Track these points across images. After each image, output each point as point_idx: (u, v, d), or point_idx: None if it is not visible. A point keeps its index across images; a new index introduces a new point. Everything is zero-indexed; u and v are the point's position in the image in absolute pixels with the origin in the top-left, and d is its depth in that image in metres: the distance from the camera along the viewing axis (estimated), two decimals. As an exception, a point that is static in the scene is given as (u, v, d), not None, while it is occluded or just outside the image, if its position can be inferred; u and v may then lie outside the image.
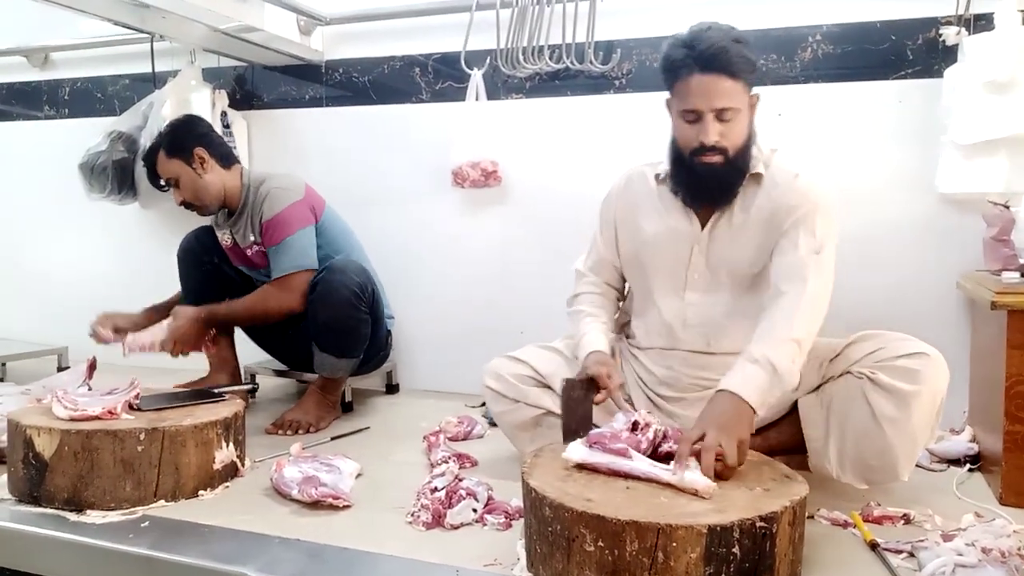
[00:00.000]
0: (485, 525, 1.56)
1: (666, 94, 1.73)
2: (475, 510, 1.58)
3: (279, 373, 2.73)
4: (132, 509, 1.63)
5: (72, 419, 1.68)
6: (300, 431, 2.25)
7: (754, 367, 1.51)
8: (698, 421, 1.47)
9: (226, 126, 2.86)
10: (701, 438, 1.38)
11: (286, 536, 1.50)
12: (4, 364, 3.05)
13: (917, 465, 1.92)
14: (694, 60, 1.61)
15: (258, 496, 1.74)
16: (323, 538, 1.49)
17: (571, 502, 1.23)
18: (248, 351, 2.70)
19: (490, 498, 1.63)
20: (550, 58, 2.54)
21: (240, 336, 2.66)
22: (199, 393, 2.03)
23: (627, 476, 1.36)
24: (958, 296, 2.21)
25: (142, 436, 1.65)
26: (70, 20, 2.83)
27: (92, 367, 2.10)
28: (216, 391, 2.04)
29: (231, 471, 1.82)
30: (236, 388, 2.25)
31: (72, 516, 1.61)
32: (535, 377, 1.87)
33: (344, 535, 1.51)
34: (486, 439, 2.21)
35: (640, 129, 2.27)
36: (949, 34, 2.16)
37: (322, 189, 2.52)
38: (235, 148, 2.83)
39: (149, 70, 3.00)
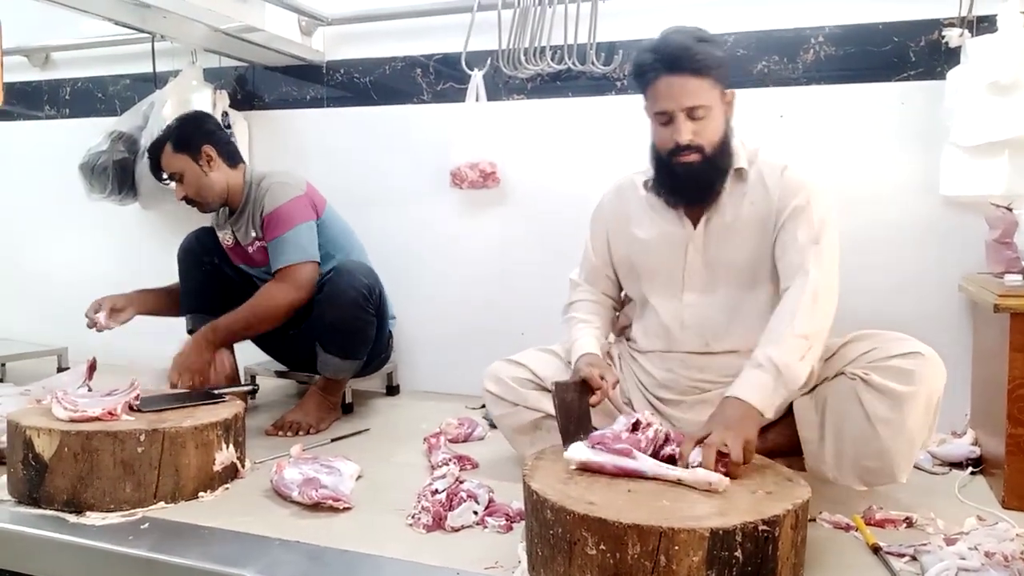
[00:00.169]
0: (486, 527, 1.55)
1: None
2: (476, 512, 1.58)
3: (279, 374, 2.72)
4: (132, 511, 1.63)
5: (72, 420, 1.68)
6: (300, 432, 2.24)
7: (757, 371, 1.52)
8: (704, 425, 1.48)
9: (227, 126, 2.85)
10: (706, 437, 1.40)
11: (286, 538, 1.50)
12: (4, 364, 3.04)
13: (918, 468, 1.94)
14: (660, 62, 1.64)
15: (258, 498, 1.73)
16: (323, 540, 1.49)
17: (573, 505, 1.22)
18: (248, 352, 2.70)
19: (491, 500, 1.62)
20: (552, 59, 2.54)
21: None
22: (199, 394, 2.03)
23: (631, 475, 1.35)
24: (960, 298, 2.21)
25: (142, 437, 1.65)
26: (71, 20, 2.82)
27: (92, 368, 2.10)
28: (216, 392, 2.03)
29: (231, 473, 1.82)
30: (236, 389, 2.24)
31: (72, 518, 1.60)
32: (534, 380, 1.86)
33: (344, 537, 1.50)
34: (487, 441, 2.21)
35: (642, 131, 2.25)
36: (952, 36, 2.15)
37: (323, 189, 2.51)
38: (240, 147, 2.82)
39: (150, 70, 2.99)
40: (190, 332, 2.64)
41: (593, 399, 1.67)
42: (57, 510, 1.63)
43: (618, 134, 2.49)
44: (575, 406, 1.66)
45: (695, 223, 1.76)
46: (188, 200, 2.41)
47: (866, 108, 2.29)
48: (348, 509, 1.64)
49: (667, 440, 1.46)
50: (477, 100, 2.63)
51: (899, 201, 2.28)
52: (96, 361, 2.13)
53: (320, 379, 2.37)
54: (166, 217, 3.08)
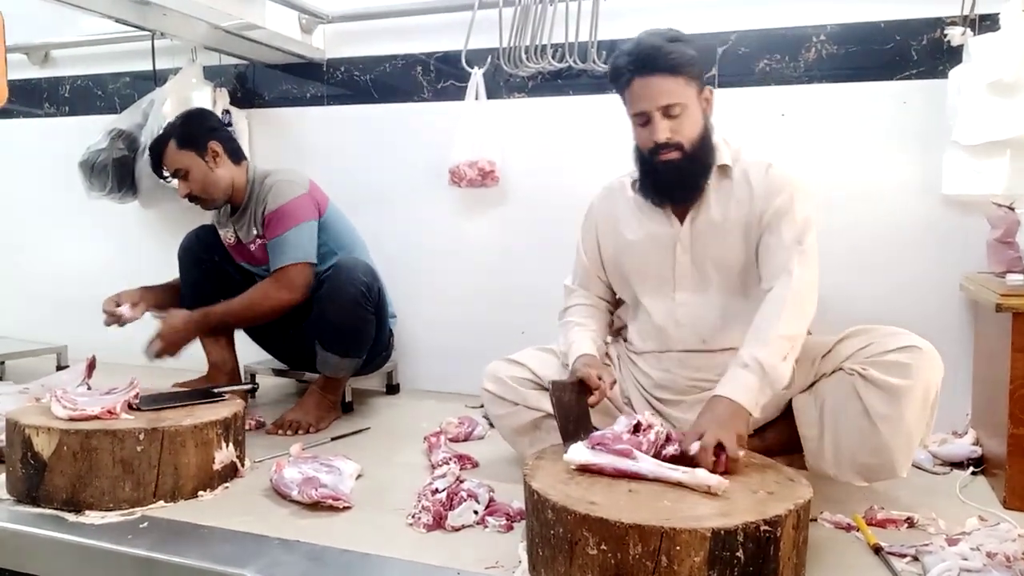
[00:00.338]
0: (486, 527, 1.55)
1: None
2: (476, 512, 1.57)
3: (279, 373, 2.72)
4: (131, 510, 1.63)
5: (71, 419, 1.67)
6: (300, 431, 2.24)
7: (744, 371, 1.53)
8: (694, 425, 1.50)
9: (228, 124, 2.85)
10: (700, 437, 1.42)
11: (286, 538, 1.50)
12: (3, 363, 3.04)
13: (920, 468, 1.94)
14: (633, 64, 1.68)
15: (258, 497, 1.73)
16: (323, 540, 1.49)
17: (574, 505, 1.22)
18: (248, 351, 2.70)
19: (491, 500, 1.62)
20: (553, 57, 2.53)
21: (240, 335, 2.65)
22: (199, 393, 2.02)
23: (632, 477, 1.35)
24: (961, 298, 2.21)
25: (141, 436, 1.64)
26: (71, 17, 2.83)
27: (91, 366, 2.09)
28: (215, 391, 2.03)
29: (231, 472, 1.81)
30: (236, 388, 2.24)
31: (71, 517, 1.60)
32: (534, 380, 1.86)
33: (344, 537, 1.50)
34: (487, 440, 2.20)
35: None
36: (954, 34, 2.15)
37: (323, 187, 2.51)
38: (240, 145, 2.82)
39: (150, 68, 2.99)
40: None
41: (592, 399, 1.67)
42: (56, 509, 1.62)
43: (619, 133, 2.45)
44: (573, 406, 1.65)
45: (682, 221, 1.78)
46: (191, 197, 2.40)
47: (868, 107, 2.29)
48: (348, 508, 1.64)
49: (668, 441, 1.46)
50: (477, 98, 2.62)
51: (900, 200, 2.27)
52: (95, 359, 2.13)
53: (320, 378, 2.37)
54: (166, 215, 3.07)
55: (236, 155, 2.43)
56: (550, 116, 2.61)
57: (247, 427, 2.19)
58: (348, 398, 2.51)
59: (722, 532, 1.15)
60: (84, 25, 3.08)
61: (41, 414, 1.72)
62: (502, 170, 2.62)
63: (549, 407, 1.78)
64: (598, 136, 2.54)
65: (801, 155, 2.32)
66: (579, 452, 1.41)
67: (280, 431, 2.24)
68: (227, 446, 1.79)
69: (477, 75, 2.61)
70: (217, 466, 1.76)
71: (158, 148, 2.39)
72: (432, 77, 2.76)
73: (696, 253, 1.77)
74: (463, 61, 2.62)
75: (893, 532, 1.54)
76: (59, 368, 2.95)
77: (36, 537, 1.55)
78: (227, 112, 2.90)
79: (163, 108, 2.79)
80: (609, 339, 1.97)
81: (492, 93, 2.64)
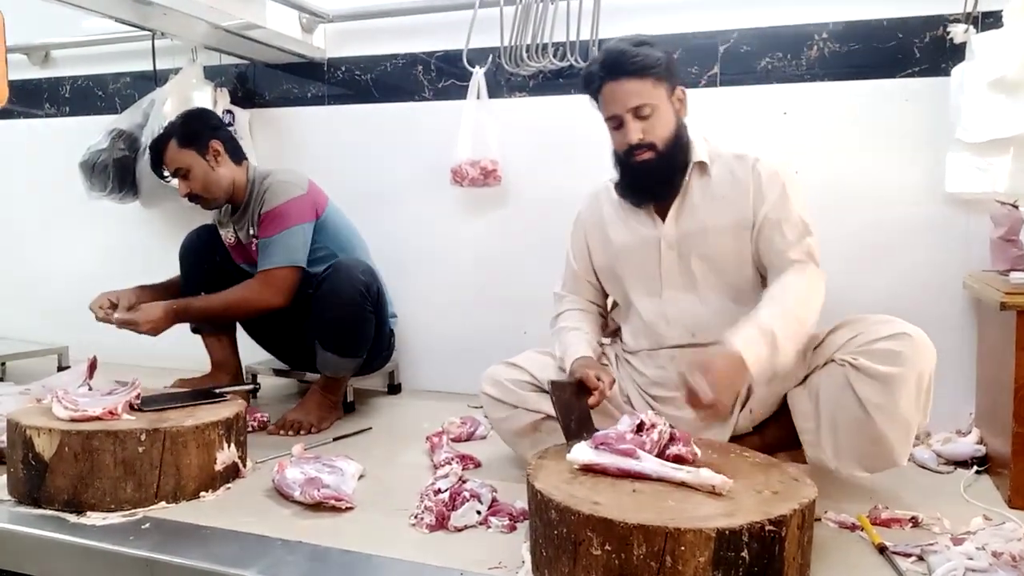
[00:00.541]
0: (489, 527, 1.54)
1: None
2: (479, 512, 1.57)
3: (280, 373, 2.71)
4: (133, 511, 1.62)
5: (72, 419, 1.67)
6: (302, 432, 2.23)
7: (759, 336, 1.52)
8: (698, 358, 1.51)
9: (229, 124, 2.84)
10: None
11: (288, 538, 1.49)
12: (4, 364, 3.03)
13: (924, 467, 1.94)
14: (601, 71, 1.73)
15: (260, 497, 1.72)
16: (326, 540, 1.48)
17: (578, 505, 1.22)
18: (250, 351, 2.69)
19: (494, 500, 1.62)
20: (554, 56, 2.52)
21: (242, 335, 2.65)
22: (200, 393, 2.02)
23: (636, 477, 1.34)
24: (964, 296, 2.20)
25: (143, 437, 1.64)
26: (71, 17, 2.82)
27: (92, 367, 2.09)
28: (217, 391, 2.02)
29: (232, 472, 1.81)
30: (237, 388, 2.23)
31: (72, 518, 1.60)
32: (533, 382, 1.86)
33: (347, 537, 1.50)
34: (489, 440, 2.19)
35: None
36: (957, 32, 2.14)
37: (324, 187, 2.50)
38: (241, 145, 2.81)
39: (150, 68, 2.98)
40: (194, 331, 2.64)
41: (591, 400, 1.67)
42: (58, 510, 1.62)
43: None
44: (574, 405, 1.65)
45: (664, 220, 1.80)
46: (192, 197, 2.39)
47: (870, 105, 2.28)
48: (350, 509, 1.63)
49: (672, 440, 1.45)
50: (479, 98, 2.62)
51: (903, 198, 2.26)
52: (96, 360, 2.12)
53: (321, 378, 2.36)
54: (167, 215, 3.07)
55: (237, 155, 2.42)
56: (551, 115, 2.60)
57: (251, 426, 2.19)
58: (350, 398, 2.51)
59: (727, 532, 1.15)
60: (85, 25, 3.07)
61: (42, 415, 1.71)
62: (503, 170, 2.62)
63: (549, 409, 1.78)
64: (600, 135, 2.51)
65: (803, 153, 2.32)
66: (582, 452, 1.40)
67: (282, 431, 2.24)
68: (229, 447, 1.79)
69: (479, 74, 2.61)
70: (219, 467, 1.76)
71: (159, 147, 2.38)
72: (433, 76, 2.75)
73: (682, 250, 1.79)
74: (464, 60, 2.61)
75: (897, 531, 1.54)
76: (60, 369, 2.94)
77: (38, 538, 1.54)
78: (229, 112, 2.89)
79: (164, 108, 2.78)
80: (606, 341, 1.98)
81: (493, 92, 2.63)
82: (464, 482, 1.66)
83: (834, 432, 1.64)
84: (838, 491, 1.71)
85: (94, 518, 1.59)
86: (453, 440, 2.14)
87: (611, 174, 1.92)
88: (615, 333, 1.99)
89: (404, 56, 2.78)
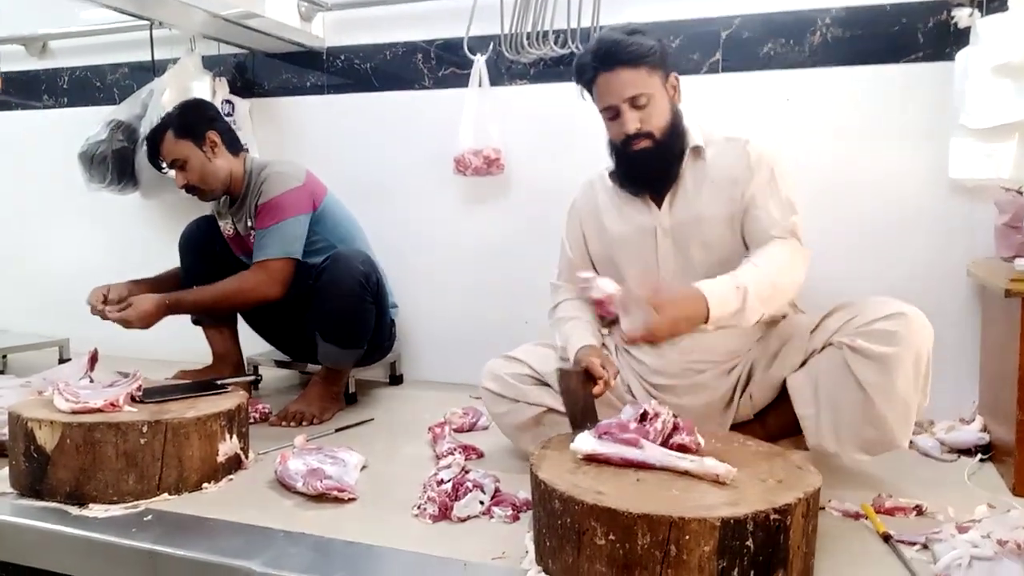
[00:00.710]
0: (492, 518, 1.54)
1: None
2: (482, 502, 1.56)
3: (282, 364, 2.71)
4: (135, 503, 1.62)
5: (74, 412, 1.66)
6: (304, 423, 2.23)
7: (731, 289, 1.54)
8: (658, 289, 1.53)
9: (227, 114, 2.82)
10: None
11: (291, 530, 1.49)
12: (5, 356, 3.03)
13: (927, 455, 1.93)
14: (595, 62, 1.73)
15: (262, 489, 1.72)
16: (329, 532, 1.48)
17: (582, 495, 1.21)
18: (251, 342, 2.69)
19: (497, 490, 1.61)
20: (555, 43, 2.51)
21: (243, 327, 2.64)
22: (202, 385, 2.01)
23: (639, 466, 1.34)
24: (968, 283, 2.19)
25: (145, 428, 1.64)
26: (69, 8, 2.80)
27: (93, 359, 2.09)
28: (219, 383, 2.02)
29: (235, 464, 1.80)
30: (239, 379, 2.23)
31: (74, 510, 1.59)
32: (533, 376, 1.85)
33: (350, 528, 1.49)
34: (491, 430, 2.18)
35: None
36: (961, 16, 2.11)
37: (324, 177, 2.49)
38: (240, 136, 2.79)
39: (148, 58, 2.96)
40: (195, 323, 2.64)
41: (596, 389, 1.66)
42: (60, 502, 1.62)
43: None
44: (580, 394, 1.65)
45: (660, 208, 1.80)
46: (189, 188, 2.38)
47: (873, 91, 2.26)
48: (353, 500, 1.63)
49: (676, 429, 1.44)
50: (480, 86, 2.60)
51: (906, 185, 2.25)
52: (97, 352, 2.12)
53: (322, 369, 2.36)
54: (167, 206, 3.06)
55: (234, 146, 2.41)
56: (553, 103, 2.58)
57: (253, 418, 2.19)
58: (352, 389, 2.51)
59: (732, 521, 1.14)
60: (82, 16, 3.05)
61: (44, 407, 1.71)
62: (505, 158, 2.60)
63: (550, 402, 1.79)
64: (602, 123, 2.51)
65: (806, 140, 2.31)
66: (585, 441, 1.40)
67: (284, 423, 2.23)
68: (231, 438, 1.78)
69: (480, 62, 2.59)
70: (221, 458, 1.75)
71: (155, 139, 2.37)
72: (433, 65, 2.74)
73: (677, 237, 1.79)
74: (465, 48, 2.59)
75: (902, 520, 1.53)
76: (61, 361, 2.95)
77: (40, 531, 1.54)
78: (229, 102, 2.88)
79: (162, 98, 2.76)
80: (605, 331, 1.97)
81: (493, 80, 2.61)
82: (467, 472, 1.66)
83: (834, 416, 1.64)
84: (841, 480, 1.70)
85: (96, 510, 1.59)
86: (455, 431, 2.13)
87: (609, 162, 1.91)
88: (613, 323, 1.98)
89: (403, 44, 2.76)
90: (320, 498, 1.63)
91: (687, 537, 1.14)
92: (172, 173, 2.40)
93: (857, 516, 1.54)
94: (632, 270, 1.84)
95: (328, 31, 2.86)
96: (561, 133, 2.57)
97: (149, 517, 1.57)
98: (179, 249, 2.57)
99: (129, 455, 1.62)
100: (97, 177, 2.87)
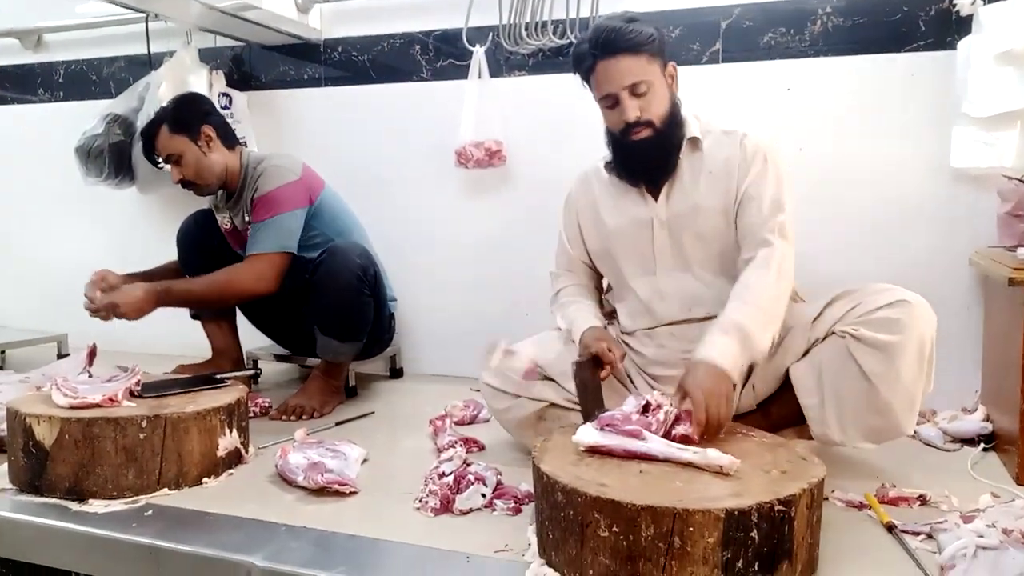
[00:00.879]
0: (494, 511, 1.53)
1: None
2: (484, 495, 1.56)
3: (281, 358, 2.70)
4: (135, 498, 1.61)
5: (72, 407, 1.65)
6: (304, 416, 2.22)
7: (724, 337, 1.53)
8: (679, 386, 1.49)
9: (224, 107, 2.81)
10: (684, 396, 1.44)
11: (292, 524, 1.48)
12: (3, 352, 3.02)
13: (930, 445, 1.93)
14: (594, 49, 1.69)
15: (263, 483, 1.71)
16: (330, 525, 1.47)
17: (584, 487, 1.20)
18: (250, 336, 2.68)
19: (499, 483, 1.61)
20: (553, 33, 2.49)
21: (241, 321, 2.63)
22: (201, 379, 2.00)
23: (642, 458, 1.33)
24: (971, 273, 2.18)
25: (144, 423, 1.63)
26: (64, 1, 2.78)
27: (92, 354, 2.07)
28: (218, 377, 2.01)
29: (235, 458, 1.80)
30: (238, 374, 2.22)
31: (74, 505, 1.59)
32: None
33: (351, 522, 1.49)
34: (492, 423, 2.17)
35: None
36: (963, 4, 2.10)
37: (322, 170, 2.48)
38: (238, 128, 2.78)
39: (145, 51, 2.94)
40: (194, 317, 2.63)
41: (602, 373, 1.67)
42: (59, 498, 1.61)
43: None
44: (589, 383, 1.65)
45: (656, 199, 1.79)
46: (185, 183, 2.37)
47: (875, 80, 2.25)
48: (354, 493, 1.62)
49: (678, 420, 1.44)
50: (480, 77, 2.58)
51: (908, 174, 2.24)
52: (96, 347, 2.10)
53: (322, 363, 2.35)
54: (164, 201, 3.04)
55: (230, 140, 2.40)
56: (552, 94, 2.56)
57: (253, 412, 2.18)
58: (352, 383, 2.50)
59: (736, 512, 1.13)
60: (77, 8, 3.03)
61: (42, 403, 1.70)
62: (506, 150, 2.59)
63: (552, 397, 1.79)
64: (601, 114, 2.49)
65: (807, 130, 2.30)
66: (588, 433, 1.39)
67: (284, 417, 2.22)
68: (231, 432, 1.77)
69: (479, 53, 2.57)
70: (221, 452, 1.75)
71: (150, 133, 2.36)
72: (431, 56, 2.72)
73: (673, 229, 1.77)
74: (464, 39, 2.58)
75: (906, 510, 1.53)
76: (59, 357, 2.93)
77: (40, 527, 1.53)
78: (226, 95, 2.86)
79: (159, 92, 2.75)
80: (604, 323, 1.96)
81: (492, 72, 2.60)
82: (468, 465, 1.65)
83: (838, 405, 1.63)
84: (844, 470, 1.70)
85: (96, 506, 1.58)
86: (456, 423, 2.13)
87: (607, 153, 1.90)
88: (611, 315, 1.97)
89: (401, 36, 2.75)
90: (321, 492, 1.62)
91: (691, 529, 1.13)
92: (168, 168, 2.38)
93: (861, 506, 1.53)
94: (629, 263, 1.84)
95: (325, 23, 2.84)
96: (561, 124, 2.56)
97: (149, 512, 1.56)
98: (177, 243, 2.56)
99: (128, 450, 1.61)
100: (94, 171, 2.86)
